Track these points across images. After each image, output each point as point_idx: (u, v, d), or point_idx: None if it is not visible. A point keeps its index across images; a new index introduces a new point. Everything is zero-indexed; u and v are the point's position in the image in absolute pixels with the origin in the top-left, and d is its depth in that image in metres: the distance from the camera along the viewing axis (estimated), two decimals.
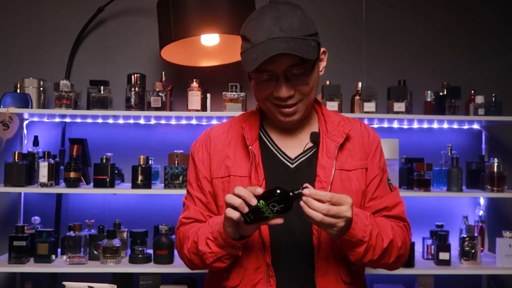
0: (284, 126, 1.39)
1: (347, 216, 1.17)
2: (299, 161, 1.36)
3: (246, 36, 1.29)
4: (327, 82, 2.46)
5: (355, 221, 1.21)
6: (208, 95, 2.55)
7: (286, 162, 1.36)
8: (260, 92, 1.31)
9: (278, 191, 1.15)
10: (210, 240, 1.27)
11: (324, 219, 1.15)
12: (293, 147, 1.38)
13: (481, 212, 2.67)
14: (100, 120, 2.63)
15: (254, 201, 1.15)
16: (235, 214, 1.17)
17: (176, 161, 2.43)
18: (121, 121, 2.64)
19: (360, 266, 1.37)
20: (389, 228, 1.31)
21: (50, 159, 2.37)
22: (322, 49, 1.36)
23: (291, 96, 1.28)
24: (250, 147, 1.34)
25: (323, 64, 1.38)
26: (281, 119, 1.33)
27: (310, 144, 1.38)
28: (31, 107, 2.43)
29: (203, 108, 2.48)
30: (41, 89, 2.52)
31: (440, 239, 2.42)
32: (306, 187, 1.16)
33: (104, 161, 2.38)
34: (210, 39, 2.37)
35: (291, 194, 1.15)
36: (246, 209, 1.16)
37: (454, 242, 2.57)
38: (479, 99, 2.54)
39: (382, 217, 1.37)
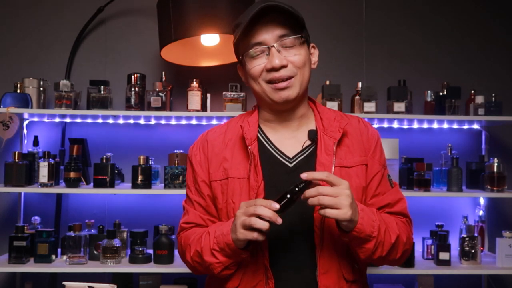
0: (279, 109, 1.37)
1: (345, 193, 1.17)
2: (297, 159, 1.36)
3: (237, 24, 1.34)
4: (327, 82, 2.46)
5: (362, 216, 1.21)
6: (208, 95, 2.55)
7: (285, 162, 1.36)
8: (253, 69, 1.33)
9: (288, 195, 1.18)
10: (216, 251, 1.27)
11: (323, 199, 1.15)
12: (291, 146, 1.38)
13: (481, 212, 2.66)
14: (100, 120, 2.63)
15: (280, 221, 1.16)
16: (261, 238, 1.19)
17: (176, 161, 2.43)
18: (121, 121, 2.64)
19: (363, 264, 1.37)
20: (394, 223, 1.31)
21: (50, 159, 2.37)
22: (312, 44, 1.39)
23: (284, 66, 1.30)
24: (249, 147, 1.33)
25: (314, 59, 1.40)
26: (276, 98, 1.33)
27: (308, 142, 1.38)
28: (31, 107, 2.43)
29: (203, 108, 2.48)
30: (41, 89, 2.52)
31: (440, 239, 2.42)
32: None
33: (104, 161, 2.38)
34: (210, 39, 2.37)
35: (297, 189, 1.18)
36: (269, 227, 1.18)
37: (454, 242, 2.57)
38: (479, 99, 2.54)
39: (385, 213, 1.37)
